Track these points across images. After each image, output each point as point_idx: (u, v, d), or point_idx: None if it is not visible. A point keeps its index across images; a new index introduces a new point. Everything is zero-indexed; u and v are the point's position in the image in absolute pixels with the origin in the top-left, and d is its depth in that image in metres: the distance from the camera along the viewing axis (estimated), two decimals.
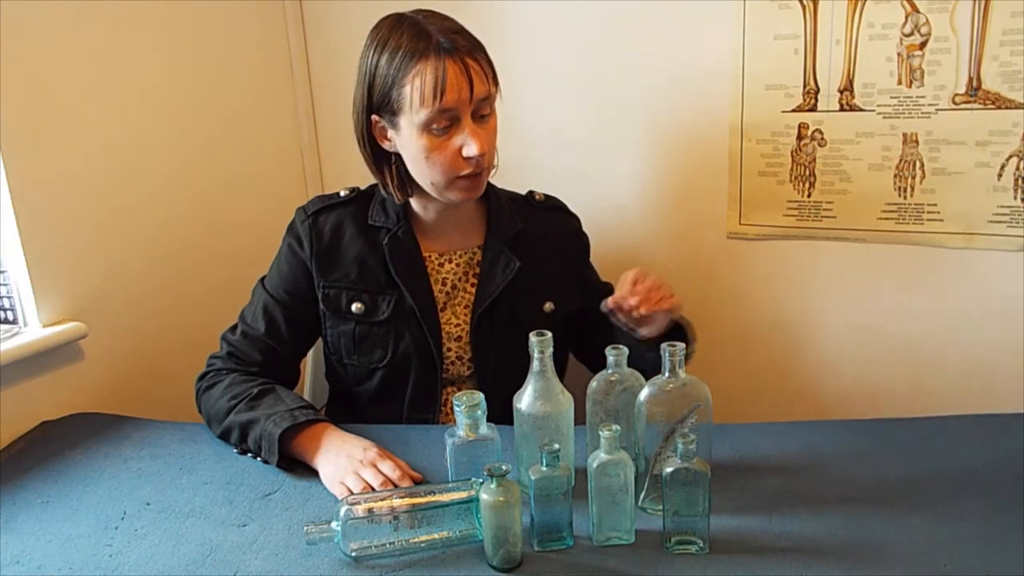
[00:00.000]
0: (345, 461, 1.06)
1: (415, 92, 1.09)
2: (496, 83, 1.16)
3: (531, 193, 1.36)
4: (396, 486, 1.01)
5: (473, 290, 1.26)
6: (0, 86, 1.23)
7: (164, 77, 1.53)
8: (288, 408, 1.13)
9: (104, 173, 1.42)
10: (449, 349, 1.26)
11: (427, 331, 1.23)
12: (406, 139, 1.14)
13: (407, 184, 1.21)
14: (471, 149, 1.11)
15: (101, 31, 1.40)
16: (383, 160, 1.20)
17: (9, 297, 1.31)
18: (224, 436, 1.18)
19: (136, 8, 1.46)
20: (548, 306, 1.28)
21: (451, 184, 1.16)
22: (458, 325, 1.26)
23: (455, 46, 1.09)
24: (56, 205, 1.33)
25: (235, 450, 1.16)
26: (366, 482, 1.02)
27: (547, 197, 1.37)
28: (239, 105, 1.70)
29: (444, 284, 1.26)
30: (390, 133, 1.16)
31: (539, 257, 1.29)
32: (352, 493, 1.00)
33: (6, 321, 1.32)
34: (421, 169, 1.16)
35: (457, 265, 1.27)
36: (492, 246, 1.26)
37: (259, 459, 1.13)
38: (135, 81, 1.47)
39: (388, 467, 1.04)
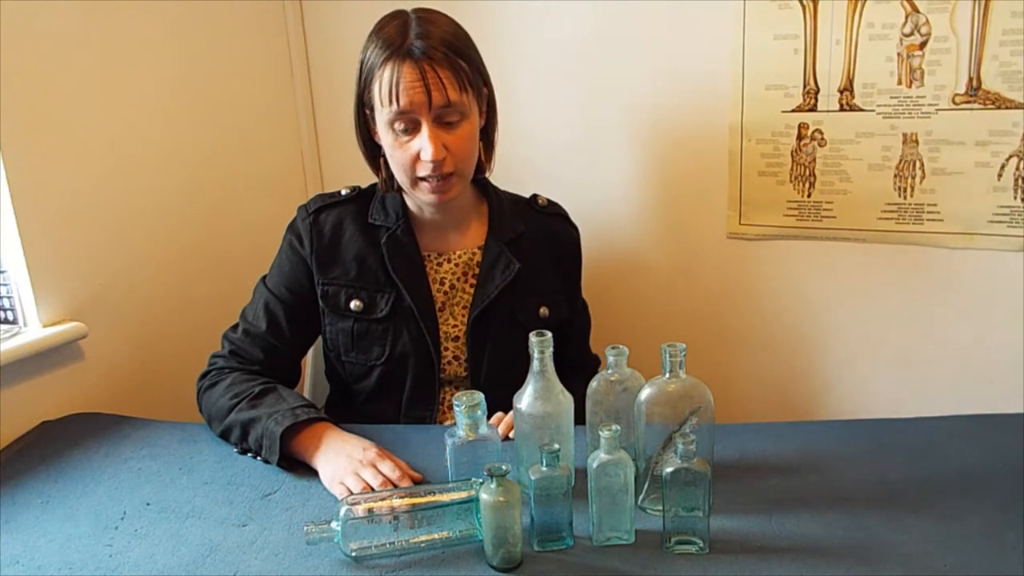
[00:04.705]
0: (344, 461, 1.06)
1: (379, 91, 1.12)
2: (472, 91, 1.15)
3: (534, 197, 1.36)
4: (396, 486, 1.01)
5: (472, 291, 1.26)
6: (0, 86, 1.23)
7: (164, 77, 1.53)
8: (290, 407, 1.13)
9: (104, 173, 1.42)
10: (447, 349, 1.26)
11: (425, 331, 1.23)
12: (380, 134, 1.18)
13: (393, 178, 1.23)
14: (425, 154, 1.12)
15: (101, 31, 1.40)
16: (377, 151, 1.23)
17: (9, 297, 1.31)
18: (224, 435, 1.17)
19: (136, 8, 1.46)
20: (543, 311, 1.28)
21: (415, 184, 1.18)
22: (456, 326, 1.26)
23: (425, 52, 1.09)
24: (56, 205, 1.33)
25: (235, 449, 1.16)
26: (365, 482, 1.01)
27: (550, 203, 1.37)
28: (239, 105, 1.70)
29: (443, 284, 1.26)
30: (374, 126, 1.19)
31: (538, 261, 1.29)
32: (352, 493, 1.00)
33: (6, 321, 1.32)
34: (392, 165, 1.19)
35: (456, 265, 1.27)
36: (492, 247, 1.27)
37: (259, 458, 1.12)
38: (135, 81, 1.47)
39: (388, 467, 1.04)
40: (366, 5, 1.72)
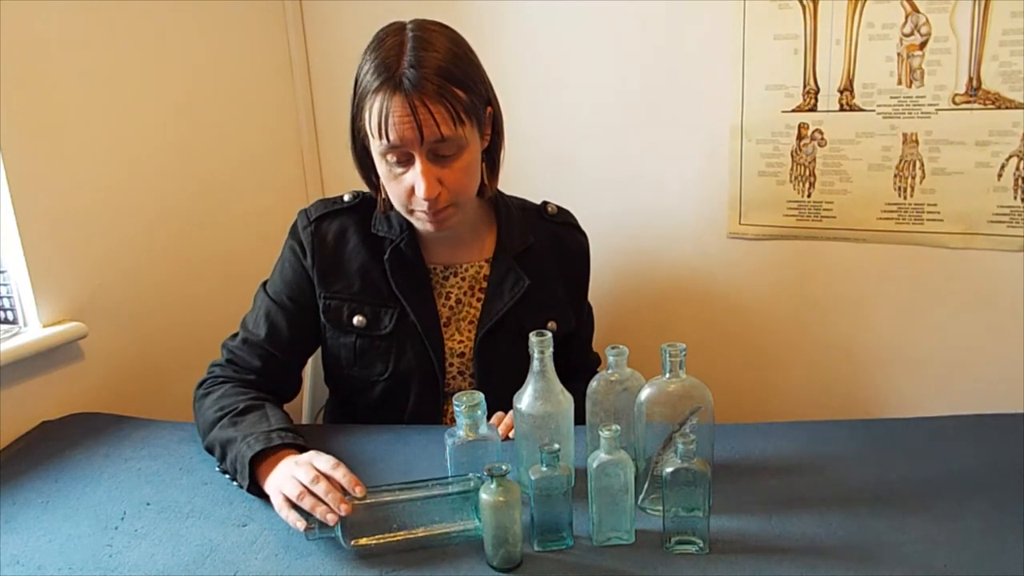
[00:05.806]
0: (285, 469, 0.99)
1: (369, 121, 1.06)
2: (470, 120, 1.07)
3: (544, 204, 1.31)
4: (331, 480, 0.94)
5: (479, 305, 1.23)
6: (0, 86, 1.23)
7: (164, 77, 1.53)
8: (267, 429, 1.06)
9: (104, 173, 1.42)
10: (451, 364, 1.23)
11: (430, 347, 1.19)
12: (375, 161, 1.12)
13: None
14: (419, 190, 1.07)
15: (101, 31, 1.40)
16: (374, 172, 1.16)
17: (9, 297, 1.31)
18: (209, 450, 1.12)
19: (136, 8, 1.46)
20: (551, 325, 1.23)
21: (411, 215, 1.13)
22: (461, 341, 1.22)
23: (416, 85, 1.02)
24: (56, 205, 1.33)
25: (217, 468, 1.11)
26: (301, 484, 0.95)
27: (560, 210, 1.32)
28: (239, 105, 1.70)
29: (448, 299, 1.23)
30: (370, 149, 1.13)
31: (546, 274, 1.25)
32: (290, 501, 0.94)
33: (6, 321, 1.32)
34: (388, 193, 1.14)
35: (463, 279, 1.23)
36: (501, 261, 1.22)
37: (235, 483, 1.06)
38: (135, 81, 1.47)
39: (323, 461, 0.97)
40: (366, 5, 1.73)
